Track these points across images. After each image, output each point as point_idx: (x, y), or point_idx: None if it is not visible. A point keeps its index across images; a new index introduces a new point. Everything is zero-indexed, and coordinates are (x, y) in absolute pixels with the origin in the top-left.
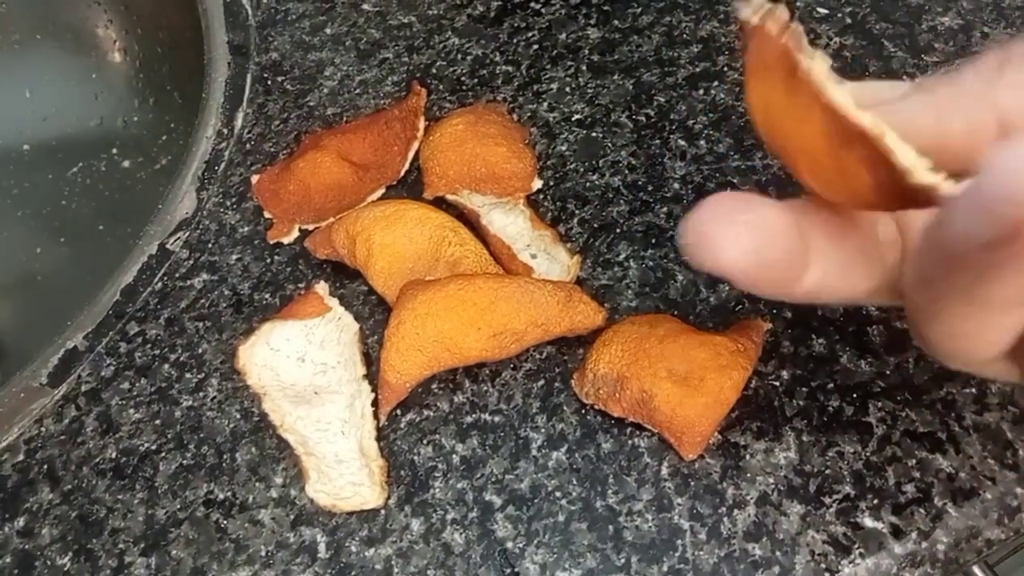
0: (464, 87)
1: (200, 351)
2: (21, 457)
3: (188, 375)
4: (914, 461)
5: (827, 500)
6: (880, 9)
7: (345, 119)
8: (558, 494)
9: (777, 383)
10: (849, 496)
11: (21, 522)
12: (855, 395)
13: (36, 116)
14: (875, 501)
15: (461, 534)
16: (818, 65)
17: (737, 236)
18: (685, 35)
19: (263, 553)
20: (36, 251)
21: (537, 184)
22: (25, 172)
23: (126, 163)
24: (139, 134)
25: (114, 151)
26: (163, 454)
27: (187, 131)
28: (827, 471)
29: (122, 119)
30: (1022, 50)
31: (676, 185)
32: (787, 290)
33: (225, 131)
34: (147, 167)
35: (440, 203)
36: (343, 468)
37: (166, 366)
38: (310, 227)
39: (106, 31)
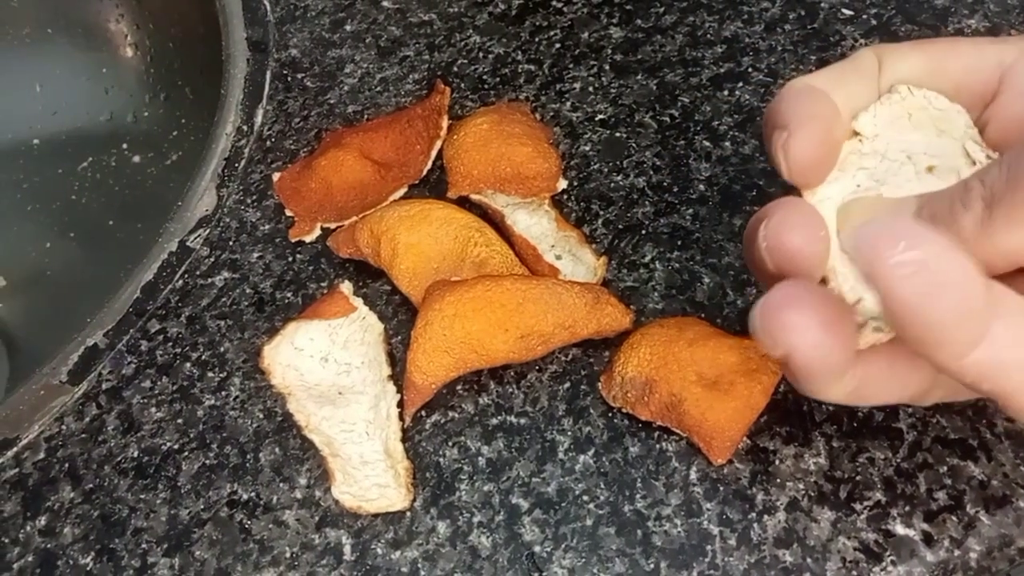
0: (486, 86)
1: (222, 350)
2: (42, 455)
3: (210, 374)
4: (945, 468)
5: (858, 507)
6: (906, 11)
7: (366, 117)
8: (585, 498)
9: None
10: (880, 503)
11: (43, 521)
12: None
13: (46, 111)
14: (906, 508)
15: (488, 537)
16: None
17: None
18: (709, 35)
19: (288, 555)
20: (46, 246)
21: (562, 184)
22: (35, 167)
23: (136, 158)
24: (150, 129)
25: (124, 146)
26: (186, 453)
27: (199, 127)
28: (858, 477)
29: (133, 114)
30: None
31: (701, 186)
32: (824, 390)
33: (245, 128)
34: (157, 163)
35: (463, 203)
36: (368, 470)
37: (188, 364)
38: (332, 226)
39: (117, 26)
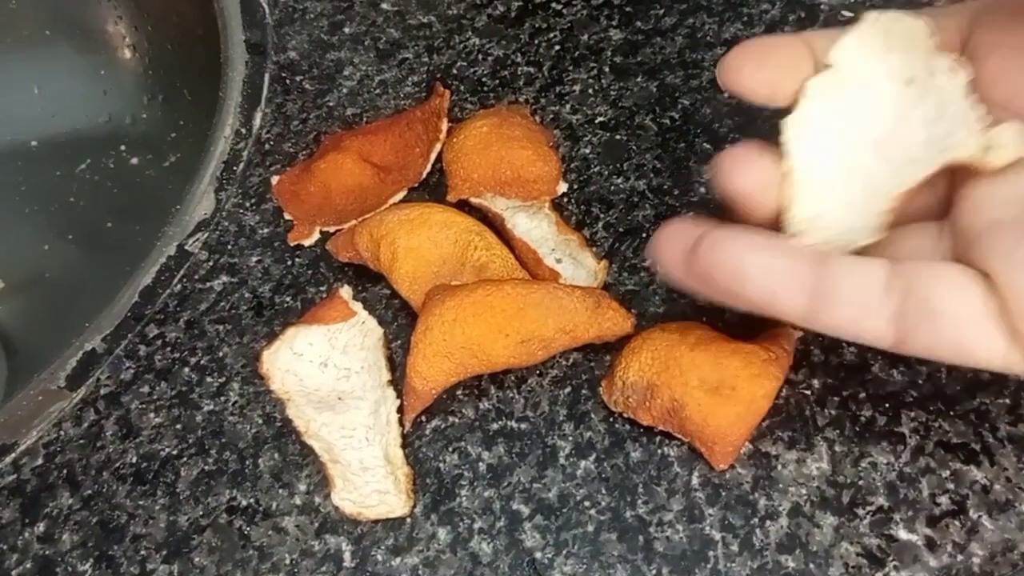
0: (485, 88)
1: (221, 354)
2: (40, 461)
3: (209, 379)
4: (948, 472)
5: (860, 511)
6: None
7: (365, 120)
8: (587, 503)
9: (808, 392)
10: (883, 507)
11: (41, 527)
12: (887, 405)
13: (44, 112)
14: (909, 513)
15: (489, 543)
16: None
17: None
18: (709, 37)
19: (287, 561)
20: (44, 248)
21: (563, 187)
22: (33, 169)
23: (135, 160)
24: (148, 131)
25: (123, 148)
26: (184, 459)
27: (197, 129)
28: (860, 482)
29: (131, 116)
30: None
31: (702, 189)
32: None
33: (243, 131)
34: (156, 164)
35: (463, 206)
36: (368, 476)
37: (186, 369)
38: (331, 229)
39: (116, 28)
